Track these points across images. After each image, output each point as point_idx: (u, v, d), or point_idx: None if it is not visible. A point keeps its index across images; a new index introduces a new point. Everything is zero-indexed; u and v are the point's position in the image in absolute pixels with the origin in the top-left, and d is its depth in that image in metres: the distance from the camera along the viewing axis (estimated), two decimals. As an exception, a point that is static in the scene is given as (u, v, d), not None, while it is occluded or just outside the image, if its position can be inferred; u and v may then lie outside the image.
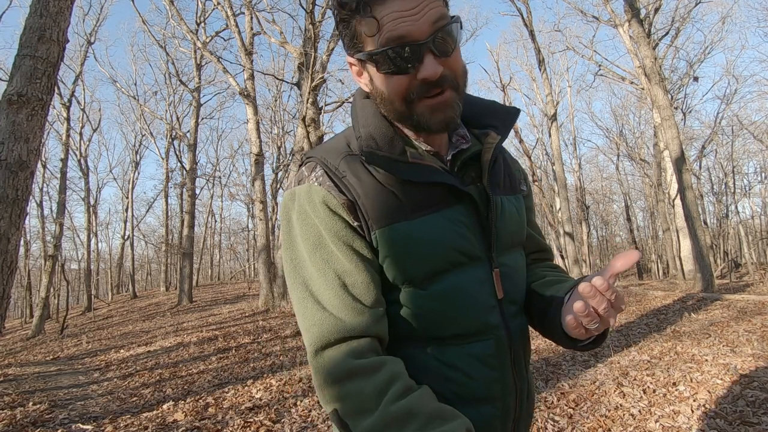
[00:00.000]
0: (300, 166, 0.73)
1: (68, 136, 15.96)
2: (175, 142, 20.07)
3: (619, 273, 0.61)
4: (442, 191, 0.69)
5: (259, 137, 11.55)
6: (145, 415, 3.81)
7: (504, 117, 0.79)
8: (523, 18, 15.56)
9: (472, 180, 0.74)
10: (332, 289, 0.65)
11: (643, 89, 12.47)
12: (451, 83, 0.65)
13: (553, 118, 15.72)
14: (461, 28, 0.67)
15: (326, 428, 3.12)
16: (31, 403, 4.44)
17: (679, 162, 9.34)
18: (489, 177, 0.74)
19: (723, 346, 4.37)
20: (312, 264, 0.67)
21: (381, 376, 0.60)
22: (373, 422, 0.57)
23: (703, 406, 2.92)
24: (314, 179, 0.69)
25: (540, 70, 15.91)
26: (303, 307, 0.67)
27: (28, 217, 4.40)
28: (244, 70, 11.71)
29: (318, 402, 3.66)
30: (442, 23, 0.62)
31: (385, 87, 0.66)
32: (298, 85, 8.97)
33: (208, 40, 14.28)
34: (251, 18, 11.76)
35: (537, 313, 0.78)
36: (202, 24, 15.30)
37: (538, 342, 5.25)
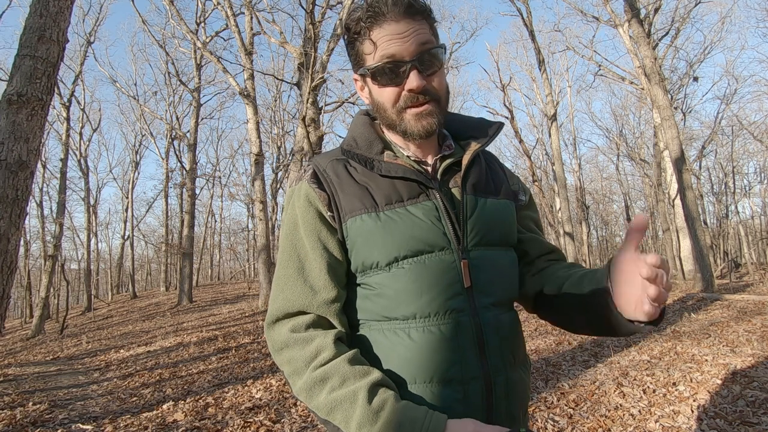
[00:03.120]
0: (305, 166, 0.87)
1: (68, 136, 15.96)
2: (175, 142, 20.07)
3: (639, 243, 0.63)
4: (413, 188, 0.79)
5: (259, 137, 11.55)
6: (145, 415, 3.81)
7: (488, 129, 0.90)
8: (523, 18, 15.57)
9: (455, 182, 0.83)
10: (291, 269, 0.79)
11: (643, 89, 12.47)
12: (434, 96, 0.78)
13: (553, 118, 15.72)
14: (445, 52, 0.80)
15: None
16: (31, 403, 4.44)
17: (679, 162, 9.34)
18: (465, 178, 0.83)
19: (723, 346, 4.37)
20: (284, 248, 0.81)
21: (310, 347, 0.73)
22: (302, 383, 0.72)
23: (703, 406, 2.92)
24: (306, 178, 0.82)
25: (540, 70, 15.91)
26: (273, 284, 0.82)
27: (28, 217, 4.40)
28: (244, 70, 11.71)
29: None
30: (427, 47, 0.76)
31: (380, 97, 0.79)
32: (298, 85, 8.97)
33: (208, 40, 14.28)
34: (251, 18, 11.76)
35: (581, 312, 0.78)
36: (202, 24, 15.30)
37: (538, 342, 5.26)
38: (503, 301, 0.81)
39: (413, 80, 0.74)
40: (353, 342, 0.80)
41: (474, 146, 0.85)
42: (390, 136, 0.86)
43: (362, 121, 0.87)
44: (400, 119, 0.78)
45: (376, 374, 0.70)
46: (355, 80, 0.85)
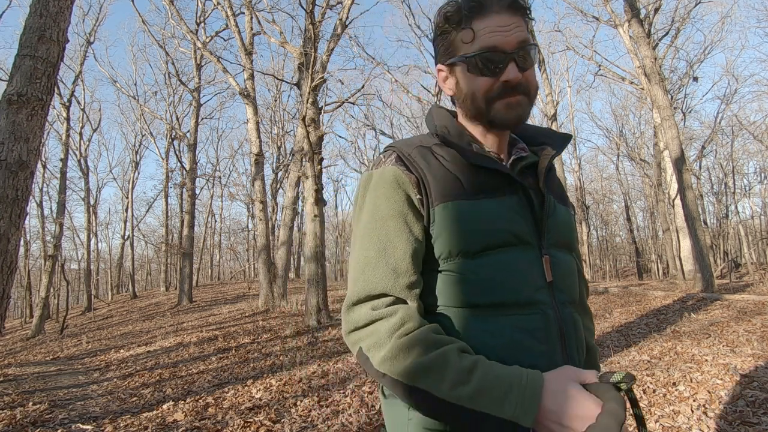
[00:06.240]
0: (380, 154, 0.86)
1: (68, 136, 15.96)
2: (175, 142, 20.07)
3: None
4: (500, 181, 0.79)
5: (259, 137, 11.55)
6: (145, 415, 3.81)
7: (558, 138, 0.92)
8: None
9: (530, 184, 0.84)
10: (373, 252, 0.76)
11: (643, 89, 12.47)
12: (525, 91, 0.79)
13: (553, 118, 15.72)
14: (538, 53, 0.82)
15: (326, 428, 3.12)
16: (31, 403, 4.44)
17: (679, 162, 9.33)
18: (544, 180, 0.84)
19: (723, 346, 4.37)
20: (366, 231, 0.78)
21: (393, 319, 0.71)
22: (386, 352, 0.69)
23: (703, 406, 2.92)
24: (389, 163, 0.81)
25: (540, 70, 15.90)
26: (351, 267, 0.79)
27: (28, 217, 4.40)
28: (244, 70, 11.71)
29: (318, 402, 3.67)
30: (525, 43, 0.78)
31: (472, 85, 0.80)
32: (298, 85, 8.97)
33: (208, 40, 14.27)
34: (251, 18, 11.76)
35: None
36: (202, 24, 15.29)
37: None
38: (574, 301, 0.84)
39: (511, 72, 0.76)
40: None
41: (549, 152, 0.87)
42: (471, 129, 0.86)
43: (445, 114, 0.87)
44: (489, 108, 0.79)
45: (461, 343, 0.70)
46: (440, 71, 0.85)
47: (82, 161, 20.52)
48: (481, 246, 0.75)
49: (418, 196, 0.77)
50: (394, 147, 0.84)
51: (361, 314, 0.74)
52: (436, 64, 0.87)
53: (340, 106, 10.77)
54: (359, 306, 0.75)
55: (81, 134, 20.30)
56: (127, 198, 24.24)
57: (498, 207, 0.77)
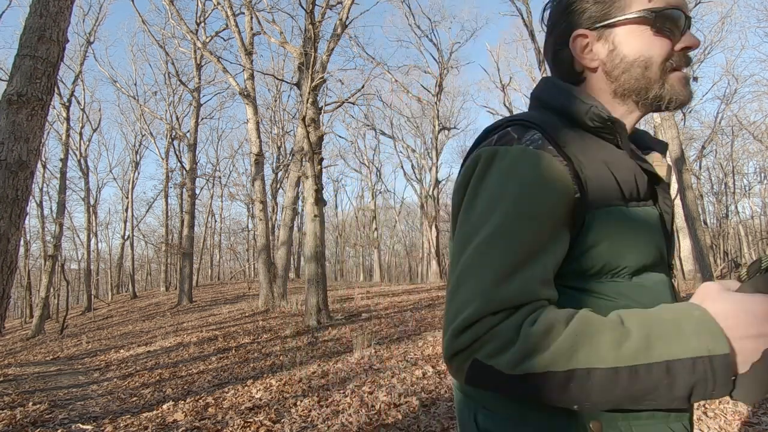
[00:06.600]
0: (496, 129, 0.67)
1: (68, 136, 15.96)
2: (175, 142, 20.08)
3: None
4: (646, 185, 0.65)
5: (259, 137, 11.55)
6: (145, 415, 3.81)
7: (659, 145, 0.77)
8: (523, 18, 15.56)
9: None
10: (514, 258, 0.57)
11: (643, 89, 12.48)
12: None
13: (553, 118, 15.71)
14: None
15: (326, 428, 3.12)
16: (31, 403, 4.44)
17: (679, 162, 9.34)
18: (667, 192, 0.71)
19: (723, 346, 4.37)
20: (504, 228, 0.58)
21: (519, 313, 0.55)
22: (519, 346, 0.53)
23: (703, 406, 2.92)
24: (529, 141, 0.62)
25: (540, 70, 15.91)
26: (472, 273, 0.58)
27: (28, 217, 4.40)
28: (244, 70, 11.72)
29: (318, 402, 3.67)
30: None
31: (650, 49, 0.65)
32: (298, 85, 8.97)
33: (208, 40, 14.28)
34: (251, 18, 11.77)
35: None
36: (202, 24, 15.30)
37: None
38: None
39: (693, 37, 0.65)
40: None
41: (660, 159, 0.72)
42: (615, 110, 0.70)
43: (587, 92, 0.69)
44: (663, 80, 0.65)
45: (587, 309, 0.57)
46: (579, 37, 0.68)
47: (82, 161, 20.53)
48: (639, 264, 0.62)
49: (578, 194, 0.60)
50: (532, 123, 0.64)
51: (479, 328, 0.55)
52: (570, 30, 0.69)
53: (340, 106, 10.79)
54: (474, 326, 0.55)
55: (81, 134, 20.31)
56: (127, 198, 24.25)
57: (648, 219, 0.64)
